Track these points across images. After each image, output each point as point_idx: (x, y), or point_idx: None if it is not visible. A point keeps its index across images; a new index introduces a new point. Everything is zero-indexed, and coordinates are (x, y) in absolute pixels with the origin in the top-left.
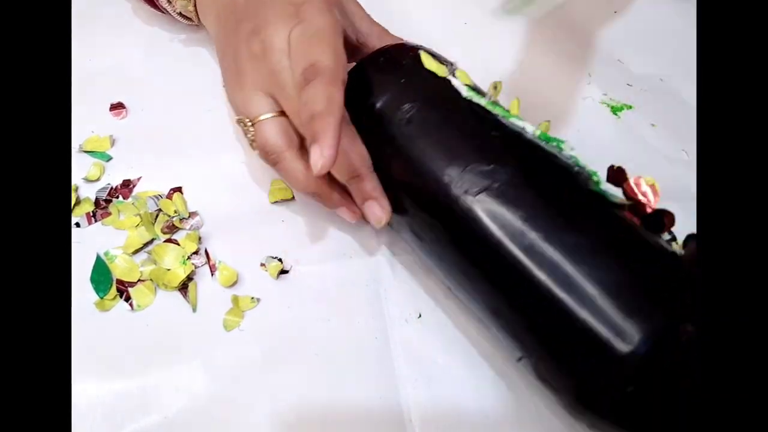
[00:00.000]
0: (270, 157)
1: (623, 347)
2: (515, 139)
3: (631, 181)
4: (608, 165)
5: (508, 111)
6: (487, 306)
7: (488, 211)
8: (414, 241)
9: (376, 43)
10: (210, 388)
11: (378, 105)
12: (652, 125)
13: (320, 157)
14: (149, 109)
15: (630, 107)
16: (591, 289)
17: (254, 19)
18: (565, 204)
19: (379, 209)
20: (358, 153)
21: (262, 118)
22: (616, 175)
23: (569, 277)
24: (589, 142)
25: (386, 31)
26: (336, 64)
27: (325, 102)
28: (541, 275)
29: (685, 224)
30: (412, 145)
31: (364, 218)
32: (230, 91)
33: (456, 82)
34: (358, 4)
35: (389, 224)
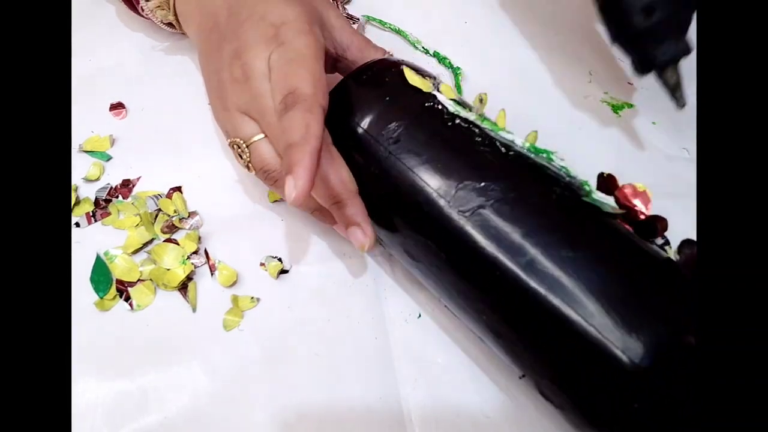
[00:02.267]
0: (270, 176)
1: (626, 363)
2: (505, 153)
3: (625, 189)
4: (607, 165)
5: (495, 124)
6: (487, 326)
7: (484, 229)
8: (407, 261)
9: (356, 54)
10: (210, 388)
11: (364, 125)
12: (653, 123)
13: (293, 189)
14: (149, 109)
15: (631, 106)
16: (591, 304)
17: (235, 40)
18: (560, 218)
19: (361, 235)
20: (339, 178)
21: (255, 139)
22: (607, 183)
23: (569, 293)
24: (591, 140)
25: (367, 41)
26: (314, 90)
27: (302, 130)
28: (540, 292)
29: (686, 222)
30: (402, 165)
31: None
32: (216, 113)
33: (441, 98)
34: (340, 16)
35: (379, 242)
